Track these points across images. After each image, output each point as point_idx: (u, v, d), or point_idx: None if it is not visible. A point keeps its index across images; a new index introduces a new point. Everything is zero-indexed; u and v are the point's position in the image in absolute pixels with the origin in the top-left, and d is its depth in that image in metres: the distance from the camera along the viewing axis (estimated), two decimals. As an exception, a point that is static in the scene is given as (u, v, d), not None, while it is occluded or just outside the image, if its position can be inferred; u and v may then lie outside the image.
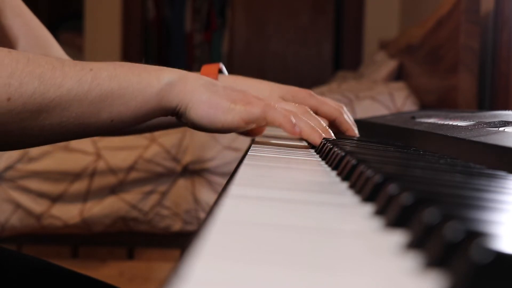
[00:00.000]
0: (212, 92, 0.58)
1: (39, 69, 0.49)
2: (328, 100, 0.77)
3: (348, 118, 0.77)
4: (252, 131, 0.68)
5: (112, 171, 1.73)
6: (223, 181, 1.73)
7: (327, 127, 0.66)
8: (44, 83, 0.49)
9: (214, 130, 0.60)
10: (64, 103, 0.51)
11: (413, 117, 0.95)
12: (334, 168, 0.46)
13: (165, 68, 0.58)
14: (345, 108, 0.78)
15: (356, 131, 0.77)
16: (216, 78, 0.74)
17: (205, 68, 0.76)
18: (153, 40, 4.20)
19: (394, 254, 0.21)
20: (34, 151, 1.71)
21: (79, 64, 0.53)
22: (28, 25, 0.74)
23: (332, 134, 0.65)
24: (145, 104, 0.56)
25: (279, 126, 0.59)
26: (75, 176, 1.72)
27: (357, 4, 3.34)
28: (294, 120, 0.59)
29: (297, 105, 0.68)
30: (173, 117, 0.60)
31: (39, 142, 0.55)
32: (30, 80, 0.48)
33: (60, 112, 0.51)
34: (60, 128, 0.52)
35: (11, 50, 0.49)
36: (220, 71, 0.77)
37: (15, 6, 0.73)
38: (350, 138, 0.73)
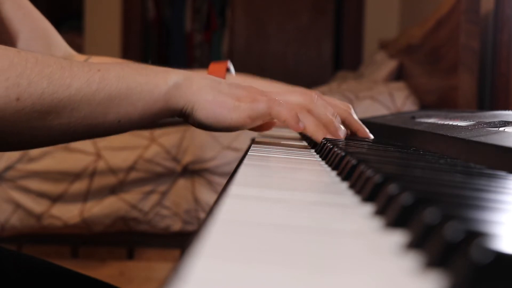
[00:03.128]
0: (217, 91, 0.58)
1: (48, 69, 0.49)
2: (336, 101, 0.76)
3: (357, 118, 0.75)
4: (262, 127, 0.68)
5: (112, 171, 1.73)
6: (223, 181, 1.73)
7: (333, 118, 0.64)
8: (53, 83, 0.49)
9: (221, 129, 0.60)
10: (73, 103, 0.51)
11: (413, 117, 0.94)
12: (334, 168, 0.46)
13: (171, 69, 0.59)
14: (352, 109, 0.77)
15: (368, 131, 0.76)
16: (224, 77, 0.74)
17: (213, 66, 0.76)
18: (153, 40, 4.20)
19: (394, 254, 0.21)
20: (34, 151, 1.71)
21: (86, 64, 0.53)
22: (29, 17, 0.74)
23: (338, 124, 0.64)
24: (152, 105, 0.56)
25: (283, 121, 0.59)
26: (75, 176, 1.72)
27: (357, 4, 3.34)
28: (299, 116, 0.59)
29: (303, 92, 0.67)
30: (180, 118, 0.60)
31: (47, 142, 0.55)
32: (39, 80, 0.48)
33: (69, 113, 0.51)
34: (68, 129, 0.52)
35: (20, 50, 0.49)
36: (228, 70, 0.77)
37: None
38: (350, 138, 0.72)
